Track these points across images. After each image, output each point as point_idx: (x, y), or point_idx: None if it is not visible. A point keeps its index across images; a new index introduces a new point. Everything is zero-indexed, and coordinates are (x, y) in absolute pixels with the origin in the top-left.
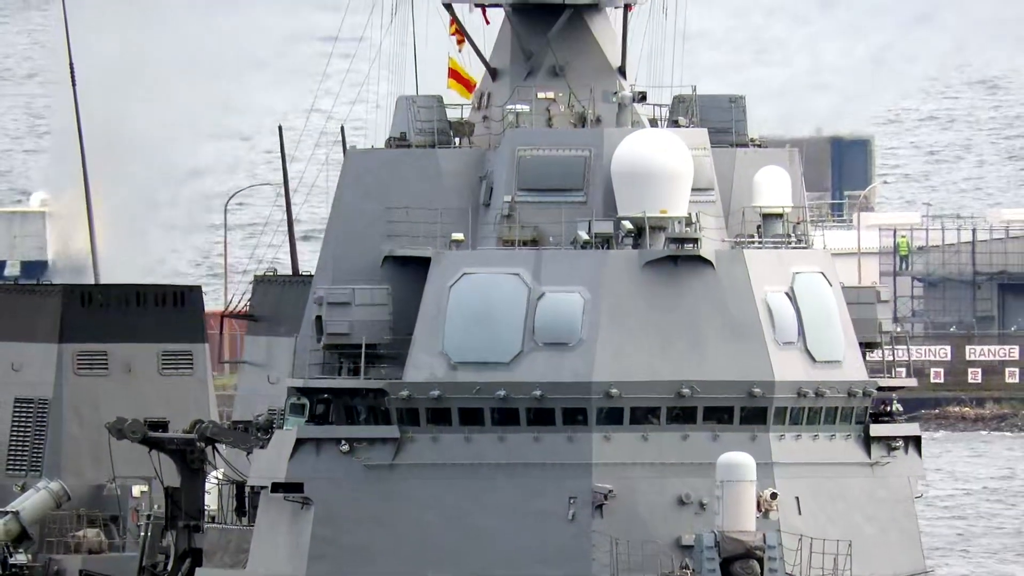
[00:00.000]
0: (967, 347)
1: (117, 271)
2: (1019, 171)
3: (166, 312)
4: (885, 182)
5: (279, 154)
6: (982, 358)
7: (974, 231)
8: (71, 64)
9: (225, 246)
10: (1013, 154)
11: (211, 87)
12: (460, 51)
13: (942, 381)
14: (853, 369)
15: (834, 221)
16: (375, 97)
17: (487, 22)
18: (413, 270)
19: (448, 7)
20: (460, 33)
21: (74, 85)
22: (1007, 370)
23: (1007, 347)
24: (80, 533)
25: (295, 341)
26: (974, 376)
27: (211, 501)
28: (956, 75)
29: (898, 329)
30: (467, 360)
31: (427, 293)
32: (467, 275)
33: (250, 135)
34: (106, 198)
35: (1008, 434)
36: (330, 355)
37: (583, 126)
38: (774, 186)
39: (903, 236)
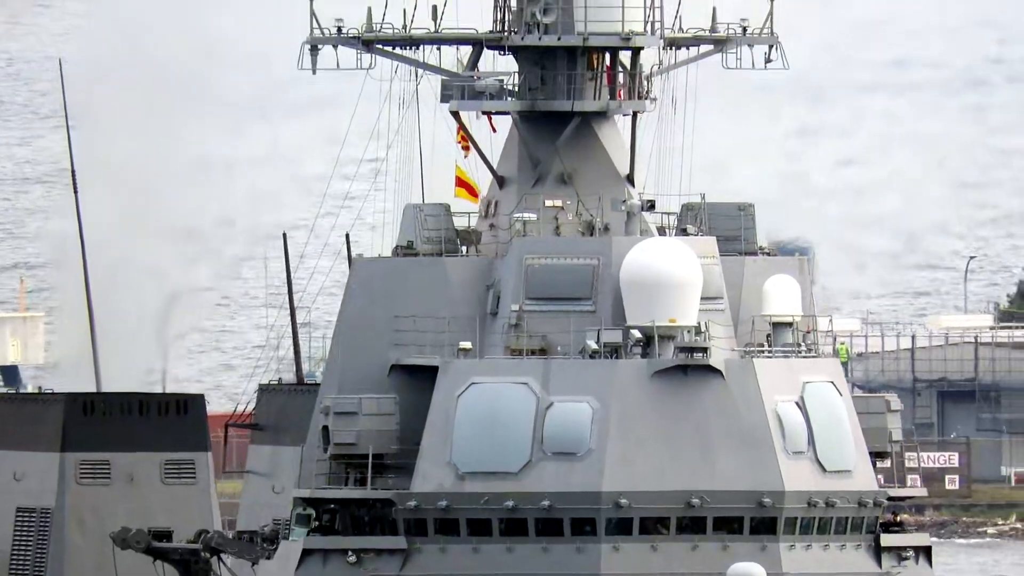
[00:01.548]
0: (907, 454)
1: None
2: (956, 277)
3: (168, 421)
4: (823, 288)
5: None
6: (922, 465)
7: (913, 338)
8: (72, 171)
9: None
10: (951, 264)
11: (214, 195)
12: (466, 157)
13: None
14: (863, 478)
15: None
16: (382, 205)
17: (494, 130)
18: (421, 379)
19: (455, 114)
20: (467, 140)
21: (75, 192)
22: (947, 477)
23: (947, 454)
24: None
25: (301, 450)
26: (914, 483)
27: None
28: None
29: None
30: (475, 470)
31: (435, 402)
32: (475, 384)
33: (252, 243)
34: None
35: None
36: (337, 465)
37: (591, 234)
38: (784, 295)
39: (843, 343)
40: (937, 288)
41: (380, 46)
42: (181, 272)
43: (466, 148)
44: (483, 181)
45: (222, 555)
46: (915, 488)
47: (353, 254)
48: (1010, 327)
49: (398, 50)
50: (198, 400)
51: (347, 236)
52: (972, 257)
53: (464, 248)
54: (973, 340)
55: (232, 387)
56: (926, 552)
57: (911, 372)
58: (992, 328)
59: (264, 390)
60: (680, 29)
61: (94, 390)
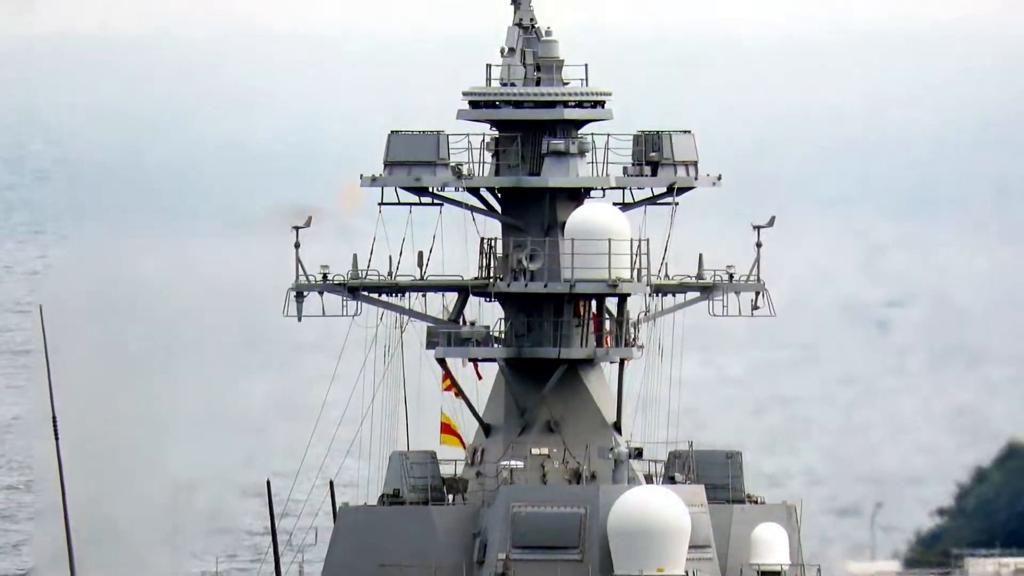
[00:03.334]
0: None
1: None
2: (863, 523)
3: None
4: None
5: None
6: None
7: None
8: (53, 416)
9: None
10: (858, 508)
11: (192, 440)
12: (456, 396)
13: None
14: None
15: None
16: (367, 453)
17: (479, 377)
18: None
19: (441, 361)
20: (453, 387)
21: (56, 439)
22: None
23: None
24: None
25: None
26: None
27: None
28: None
29: None
30: None
31: None
32: None
33: (235, 489)
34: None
35: None
36: None
37: (578, 482)
38: (772, 543)
39: None
40: (844, 533)
41: (365, 293)
42: (161, 524)
43: (458, 393)
44: (469, 427)
45: None
46: None
47: (338, 502)
48: (914, 574)
49: (384, 297)
50: None
51: (331, 484)
52: (879, 504)
53: (450, 496)
54: None
55: None
56: None
57: None
58: (899, 574)
59: None
60: (666, 276)
61: None
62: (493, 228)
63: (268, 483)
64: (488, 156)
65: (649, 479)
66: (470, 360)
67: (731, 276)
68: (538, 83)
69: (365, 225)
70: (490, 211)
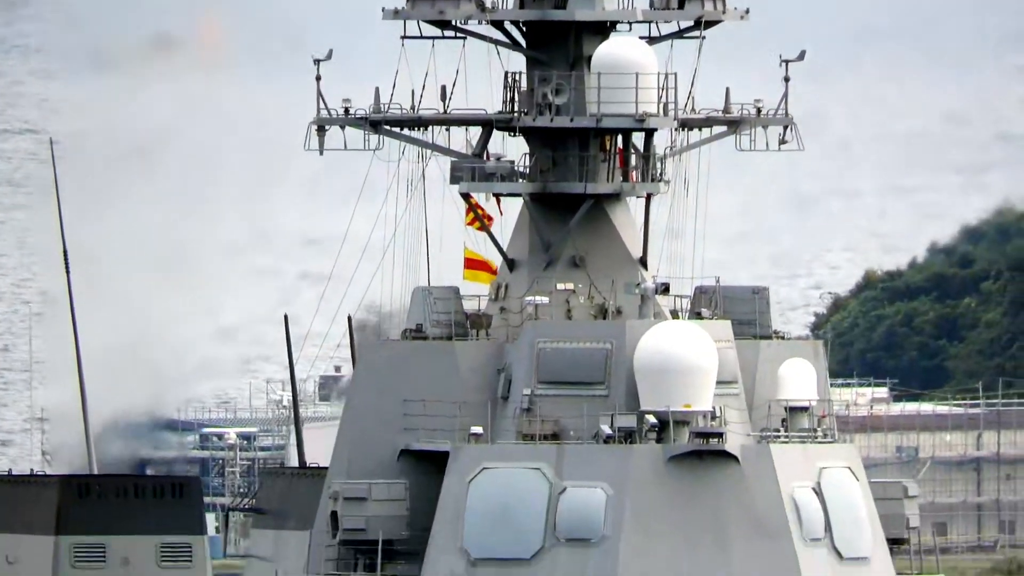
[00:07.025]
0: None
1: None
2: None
3: (164, 504)
4: None
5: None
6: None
7: None
8: (64, 250)
9: None
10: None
11: (213, 275)
12: (483, 228)
13: None
14: (881, 566)
15: None
16: (389, 286)
17: (501, 213)
18: (431, 464)
19: (465, 196)
20: (479, 221)
21: (67, 272)
22: None
23: None
24: None
25: (308, 535)
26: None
27: None
28: None
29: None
30: (487, 556)
31: (445, 488)
32: (487, 470)
33: (253, 332)
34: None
35: None
36: (345, 551)
37: (604, 318)
38: (799, 379)
39: None
40: None
41: (388, 127)
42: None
43: (482, 227)
44: (494, 260)
45: None
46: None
47: (357, 337)
48: None
49: (406, 131)
50: (194, 482)
51: (349, 319)
52: None
53: (474, 332)
54: None
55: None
56: None
57: None
58: None
59: (266, 474)
60: (693, 110)
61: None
62: (517, 62)
63: (285, 317)
64: None
65: (675, 315)
66: (493, 195)
67: (759, 111)
68: None
69: (387, 59)
70: (514, 45)
